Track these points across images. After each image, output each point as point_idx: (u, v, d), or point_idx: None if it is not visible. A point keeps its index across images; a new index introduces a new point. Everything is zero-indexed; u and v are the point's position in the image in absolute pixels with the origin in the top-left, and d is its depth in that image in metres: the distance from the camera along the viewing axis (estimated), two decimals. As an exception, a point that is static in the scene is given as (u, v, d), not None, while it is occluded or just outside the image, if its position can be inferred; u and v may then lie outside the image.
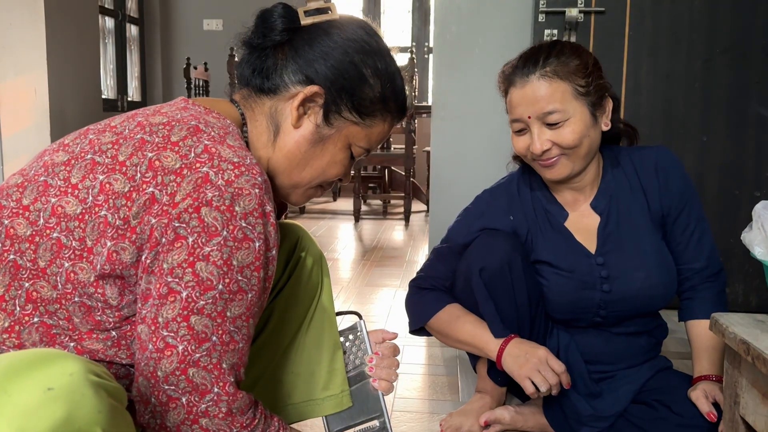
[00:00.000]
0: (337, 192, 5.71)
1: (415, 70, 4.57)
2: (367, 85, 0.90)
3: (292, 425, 1.07)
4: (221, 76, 4.75)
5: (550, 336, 1.36)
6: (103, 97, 4.75)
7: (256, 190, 0.76)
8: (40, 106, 3.47)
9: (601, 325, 1.33)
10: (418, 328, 1.42)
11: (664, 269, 1.29)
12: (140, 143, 0.78)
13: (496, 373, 1.34)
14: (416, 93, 4.92)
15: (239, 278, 0.76)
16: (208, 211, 0.74)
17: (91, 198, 0.76)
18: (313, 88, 0.88)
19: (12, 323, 0.75)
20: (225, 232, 0.74)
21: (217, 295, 0.75)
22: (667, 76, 2.23)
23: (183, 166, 0.76)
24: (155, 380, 0.75)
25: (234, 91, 0.95)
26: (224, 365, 0.77)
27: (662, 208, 1.31)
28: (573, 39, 2.22)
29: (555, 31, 2.25)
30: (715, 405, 1.19)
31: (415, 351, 1.92)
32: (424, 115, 4.93)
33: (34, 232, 0.75)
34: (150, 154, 0.77)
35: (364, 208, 5.12)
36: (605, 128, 1.26)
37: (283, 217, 1.07)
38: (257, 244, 0.77)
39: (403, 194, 4.54)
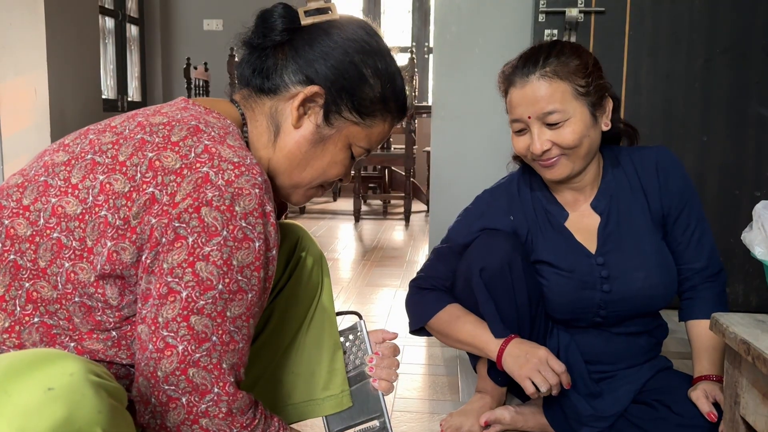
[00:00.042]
0: (338, 192, 5.71)
1: (415, 70, 4.57)
2: (367, 85, 0.90)
3: (292, 425, 1.07)
4: (221, 77, 4.75)
5: (551, 336, 1.36)
6: (103, 97, 4.75)
7: (256, 190, 0.76)
8: (40, 106, 3.47)
9: (601, 325, 1.33)
10: (418, 328, 1.42)
11: (664, 269, 1.29)
12: (140, 143, 0.78)
13: (497, 373, 1.34)
14: (416, 93, 4.92)
15: (239, 278, 0.76)
16: (208, 211, 0.74)
17: (91, 198, 0.76)
18: (314, 88, 0.88)
19: (12, 323, 0.75)
20: (225, 232, 0.74)
21: (217, 295, 0.75)
22: (667, 76, 2.23)
23: (183, 166, 0.76)
24: (155, 380, 0.75)
25: (234, 92, 0.95)
26: (224, 365, 0.77)
27: (662, 208, 1.31)
28: (573, 39, 2.22)
29: (555, 31, 2.25)
30: (716, 405, 1.19)
31: (415, 351, 1.92)
32: (424, 115, 4.93)
33: (34, 232, 0.75)
34: (150, 154, 0.77)
35: (364, 208, 5.12)
36: (605, 128, 1.26)
37: (284, 217, 1.07)
38: (257, 244, 0.77)
39: (403, 194, 4.54)
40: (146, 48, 5.75)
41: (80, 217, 0.75)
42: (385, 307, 2.38)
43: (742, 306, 2.26)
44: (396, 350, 1.07)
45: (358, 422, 1.05)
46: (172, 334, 0.74)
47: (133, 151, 0.77)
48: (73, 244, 0.75)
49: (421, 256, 3.31)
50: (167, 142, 0.78)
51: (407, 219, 4.43)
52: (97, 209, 0.75)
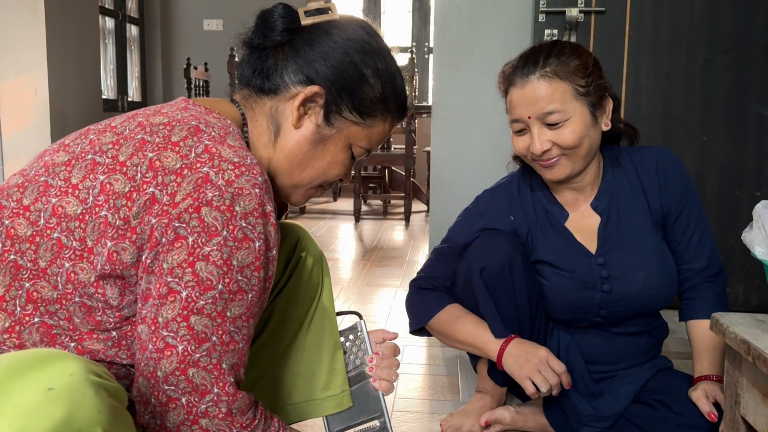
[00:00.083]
0: (338, 192, 5.71)
1: (415, 70, 4.57)
2: (367, 85, 0.90)
3: (292, 425, 1.07)
4: (221, 77, 4.75)
5: (551, 336, 1.36)
6: (104, 97, 4.75)
7: (257, 190, 0.76)
8: (40, 106, 3.47)
9: (601, 325, 1.33)
10: (418, 328, 1.42)
11: (664, 269, 1.29)
12: (141, 143, 0.78)
13: (497, 373, 1.34)
14: (416, 93, 4.92)
15: (239, 278, 0.76)
16: (209, 211, 0.74)
17: (91, 198, 0.76)
18: (314, 88, 0.88)
19: (12, 323, 0.75)
20: (225, 232, 0.74)
21: (216, 295, 0.75)
22: (667, 76, 2.23)
23: (183, 166, 0.76)
24: (155, 380, 0.75)
25: (234, 92, 0.95)
26: (224, 365, 0.77)
27: (663, 208, 1.31)
28: (573, 39, 2.22)
29: (555, 31, 2.25)
30: (716, 405, 1.19)
31: (415, 351, 1.92)
32: (425, 115, 4.93)
33: (34, 233, 0.75)
34: (150, 154, 0.77)
35: (364, 208, 5.12)
36: (605, 128, 1.26)
37: (284, 217, 1.07)
38: (257, 244, 0.77)
39: (403, 194, 4.54)
40: (146, 48, 5.76)
41: (80, 217, 0.75)
42: (385, 307, 2.38)
43: (742, 306, 2.26)
44: (396, 350, 1.07)
45: (358, 422, 1.05)
46: (172, 334, 0.74)
47: (134, 151, 0.77)
48: (74, 244, 0.75)
49: (421, 256, 3.31)
50: (167, 142, 0.78)
51: (407, 219, 4.43)
52: (97, 209, 0.75)
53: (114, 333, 0.78)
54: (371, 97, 0.91)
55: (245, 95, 0.92)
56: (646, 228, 1.30)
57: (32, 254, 0.75)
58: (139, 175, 0.76)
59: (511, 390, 1.48)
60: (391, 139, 5.05)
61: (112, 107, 5.11)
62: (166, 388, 0.75)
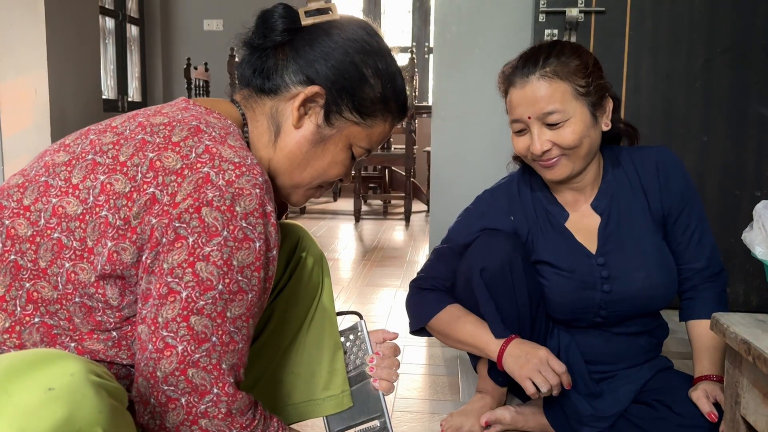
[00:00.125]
0: (338, 192, 5.71)
1: (416, 70, 4.57)
2: (367, 86, 0.90)
3: (292, 425, 1.07)
4: (221, 77, 4.76)
5: (551, 336, 1.36)
6: (104, 97, 4.75)
7: (257, 191, 0.76)
8: (40, 107, 3.47)
9: (601, 326, 1.33)
10: (418, 328, 1.42)
11: (664, 269, 1.29)
12: (141, 143, 0.78)
13: (497, 373, 1.34)
14: (416, 93, 4.92)
15: (239, 278, 0.76)
16: (209, 211, 0.74)
17: (91, 198, 0.75)
18: (314, 89, 0.88)
19: (13, 323, 0.75)
20: (225, 233, 0.74)
21: (216, 296, 0.75)
22: (667, 76, 2.23)
23: (184, 166, 0.76)
24: (154, 381, 0.75)
25: (235, 92, 0.95)
26: (224, 366, 0.77)
27: (663, 208, 1.31)
28: (573, 39, 2.22)
29: (555, 31, 2.25)
30: (716, 405, 1.19)
31: (415, 351, 1.92)
32: (425, 115, 4.93)
33: (34, 233, 0.75)
34: (151, 155, 0.77)
35: (364, 208, 5.12)
36: (605, 128, 1.26)
37: (284, 217, 1.07)
38: (258, 245, 0.77)
39: (403, 194, 4.54)
40: (146, 48, 5.76)
41: (81, 217, 0.75)
42: (385, 307, 2.38)
43: (742, 306, 2.26)
44: (396, 350, 1.07)
45: (358, 422, 1.05)
46: (172, 335, 0.74)
47: (134, 151, 0.77)
48: (74, 245, 0.75)
49: (421, 256, 3.31)
50: (168, 142, 0.78)
51: (407, 219, 4.43)
52: (97, 209, 0.75)
53: (114, 333, 0.78)
54: (371, 97, 0.91)
55: (245, 95, 0.92)
56: (646, 228, 1.30)
57: (32, 254, 0.75)
58: (140, 175, 0.76)
59: (512, 390, 1.48)
60: (391, 139, 5.05)
61: (112, 107, 5.11)
62: (166, 388, 0.75)
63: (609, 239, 1.30)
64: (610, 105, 1.27)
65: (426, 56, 5.89)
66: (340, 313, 1.11)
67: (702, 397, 1.20)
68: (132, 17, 5.52)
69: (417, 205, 5.01)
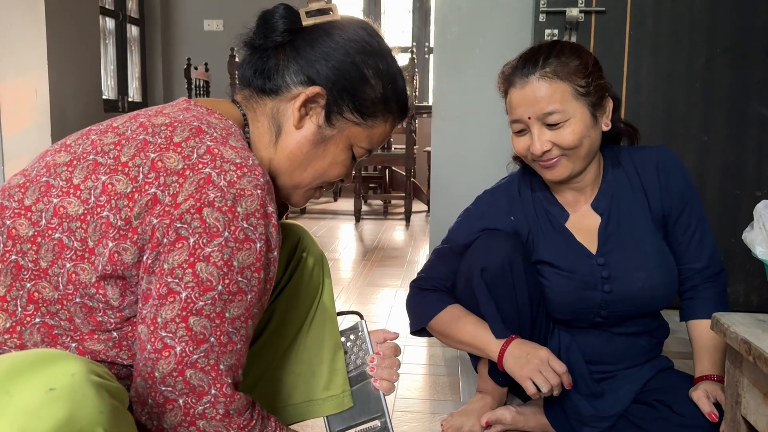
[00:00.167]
0: (338, 192, 5.71)
1: (416, 70, 4.57)
2: (368, 86, 0.90)
3: (292, 425, 1.07)
4: (222, 77, 4.76)
5: (551, 336, 1.36)
6: (104, 97, 4.75)
7: (258, 191, 0.76)
8: (40, 107, 3.47)
9: (602, 326, 1.33)
10: (419, 328, 1.42)
11: (665, 269, 1.29)
12: (143, 144, 0.78)
13: (497, 373, 1.34)
14: (417, 93, 4.92)
15: (239, 279, 0.76)
16: (210, 211, 0.74)
17: (93, 199, 0.76)
18: (315, 89, 0.88)
19: (13, 324, 0.75)
20: (226, 233, 0.74)
21: (216, 296, 0.75)
22: (667, 76, 2.23)
23: (185, 167, 0.76)
24: (152, 381, 0.75)
25: (235, 92, 0.95)
26: (222, 366, 0.76)
27: (663, 208, 1.31)
28: (573, 39, 2.22)
29: (556, 31, 2.25)
30: (717, 405, 1.19)
31: (416, 351, 1.92)
32: (425, 115, 4.93)
33: (36, 233, 0.75)
34: (152, 155, 0.77)
35: (364, 208, 5.12)
36: (605, 128, 1.26)
37: (284, 217, 1.07)
38: (258, 245, 0.77)
39: (403, 194, 4.54)
40: (147, 48, 5.76)
41: (82, 217, 0.75)
42: (385, 307, 2.38)
43: (743, 306, 2.26)
44: (397, 350, 1.07)
45: (359, 422, 1.05)
46: (171, 335, 0.74)
47: (136, 151, 0.77)
48: (75, 245, 0.75)
49: (421, 257, 3.31)
50: (170, 142, 0.78)
51: (408, 219, 4.43)
52: (98, 210, 0.75)
53: (115, 334, 0.78)
54: (372, 98, 0.91)
55: (246, 96, 0.92)
56: (646, 228, 1.30)
57: (33, 254, 0.75)
58: (141, 175, 0.76)
59: (512, 390, 1.48)
60: (392, 139, 5.05)
61: (112, 107, 5.11)
62: (164, 389, 0.75)
63: (609, 239, 1.30)
64: (610, 105, 1.27)
65: (426, 56, 5.89)
66: (340, 313, 1.11)
67: (702, 397, 1.20)
68: (132, 17, 5.52)
69: (417, 205, 5.01)
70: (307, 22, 0.90)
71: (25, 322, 0.75)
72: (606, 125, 1.26)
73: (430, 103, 4.31)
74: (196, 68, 4.41)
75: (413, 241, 3.77)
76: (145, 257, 0.75)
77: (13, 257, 0.75)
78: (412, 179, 4.38)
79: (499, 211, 1.35)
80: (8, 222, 0.76)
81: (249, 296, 0.77)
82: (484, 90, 2.35)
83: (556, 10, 2.23)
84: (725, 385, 1.09)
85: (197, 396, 0.75)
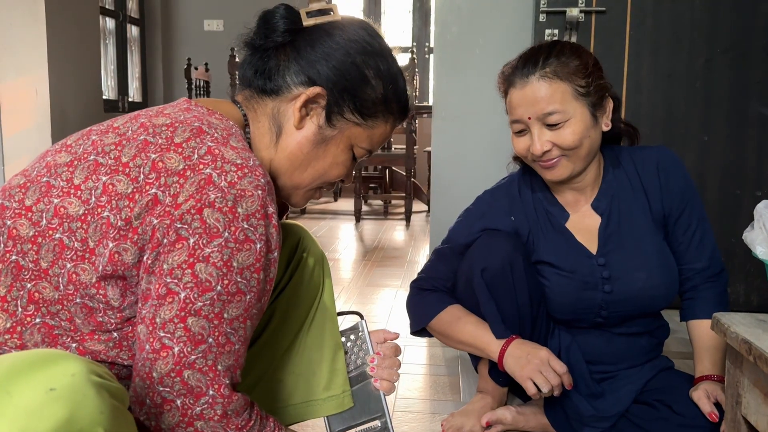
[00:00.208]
0: (338, 192, 5.71)
1: (416, 70, 4.57)
2: (369, 86, 0.90)
3: (293, 425, 1.07)
4: (222, 77, 4.76)
5: (552, 336, 1.36)
6: (104, 97, 4.75)
7: (259, 192, 0.76)
8: (41, 107, 3.47)
9: (602, 326, 1.33)
10: (419, 329, 1.42)
11: (665, 269, 1.29)
12: (143, 144, 0.78)
13: (498, 373, 1.34)
14: (417, 93, 4.92)
15: (238, 279, 0.76)
16: (211, 212, 0.74)
17: (93, 199, 0.76)
18: (316, 89, 0.88)
19: (14, 324, 0.75)
20: (226, 234, 0.74)
21: (215, 297, 0.75)
22: (668, 76, 2.23)
23: (186, 167, 0.76)
24: (150, 381, 0.75)
25: (236, 92, 0.95)
26: (220, 367, 0.76)
27: (663, 208, 1.31)
28: (574, 39, 2.22)
29: (556, 31, 2.25)
30: (717, 405, 1.19)
31: (416, 351, 1.92)
32: (425, 116, 4.93)
33: (36, 233, 0.75)
34: (153, 156, 0.77)
35: (365, 208, 5.12)
36: (606, 128, 1.26)
37: (284, 217, 1.07)
38: (258, 246, 0.77)
39: (403, 194, 4.54)
40: (147, 48, 5.76)
41: (82, 217, 0.75)
42: (386, 307, 2.38)
43: (743, 306, 2.26)
44: (397, 350, 1.07)
45: (359, 422, 1.05)
46: (169, 335, 0.74)
47: (136, 152, 0.77)
48: (75, 245, 0.75)
49: (421, 257, 3.31)
50: (170, 143, 0.78)
51: (408, 219, 4.43)
52: (99, 210, 0.75)
53: (115, 334, 0.78)
54: (373, 98, 0.91)
55: (247, 96, 0.92)
56: (647, 228, 1.30)
57: (34, 255, 0.75)
58: (142, 176, 0.76)
59: (512, 390, 1.48)
60: (392, 140, 5.05)
61: (112, 107, 5.11)
62: (161, 389, 0.74)
63: (610, 239, 1.30)
64: (610, 105, 1.27)
65: (426, 56, 5.89)
66: (341, 313, 1.11)
67: (703, 397, 1.20)
68: (132, 17, 5.52)
69: (417, 205, 5.01)
70: (307, 22, 0.90)
71: (26, 322, 0.75)
72: (606, 125, 1.26)
73: (430, 103, 4.31)
74: (196, 68, 4.41)
75: (413, 241, 3.77)
76: (145, 257, 0.75)
77: (14, 257, 0.75)
78: (412, 179, 4.38)
79: (499, 212, 1.35)
80: (9, 222, 0.76)
81: (248, 297, 0.77)
82: (484, 90, 2.35)
83: (556, 10, 2.23)
84: (726, 385, 1.09)
85: (195, 397, 0.75)
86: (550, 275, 1.30)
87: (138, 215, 0.75)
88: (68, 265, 0.75)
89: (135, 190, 0.75)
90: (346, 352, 1.07)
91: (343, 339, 1.07)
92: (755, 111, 2.20)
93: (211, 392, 0.76)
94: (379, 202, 5.36)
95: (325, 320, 1.08)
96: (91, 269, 0.75)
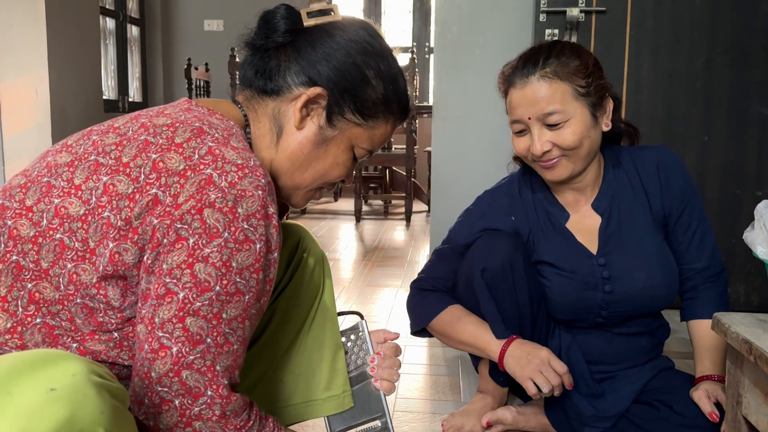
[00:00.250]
0: (339, 192, 5.71)
1: (416, 70, 4.57)
2: (369, 87, 0.90)
3: (293, 425, 1.07)
4: (222, 77, 4.76)
5: (552, 336, 1.36)
6: (104, 97, 4.75)
7: (259, 192, 0.76)
8: (41, 107, 3.47)
9: (602, 326, 1.33)
10: (419, 329, 1.42)
11: (665, 269, 1.29)
12: (144, 144, 0.78)
13: (498, 373, 1.34)
14: (417, 93, 4.92)
15: (237, 280, 0.76)
16: (211, 212, 0.74)
17: (94, 199, 0.76)
18: (316, 90, 0.88)
19: (14, 324, 0.75)
20: (226, 234, 0.74)
21: (213, 297, 0.74)
22: (668, 76, 2.23)
23: (187, 167, 0.76)
24: (149, 381, 0.74)
25: (236, 93, 0.95)
26: (218, 367, 0.76)
27: (664, 208, 1.31)
28: (574, 39, 2.22)
29: (556, 31, 2.25)
30: (717, 405, 1.19)
31: (416, 351, 1.92)
32: (425, 115, 4.93)
33: (37, 233, 0.75)
34: (154, 156, 0.77)
35: (365, 208, 5.12)
36: (606, 128, 1.26)
37: (285, 218, 1.07)
38: (258, 246, 0.76)
39: (404, 194, 4.54)
40: (147, 48, 5.76)
41: (83, 218, 0.75)
42: (386, 308, 2.38)
43: (743, 306, 2.26)
44: (398, 350, 1.07)
45: (359, 422, 1.05)
46: (167, 335, 0.74)
47: (137, 152, 0.77)
48: (76, 245, 0.75)
49: (422, 257, 3.31)
50: (171, 143, 0.78)
51: (408, 219, 4.43)
52: (99, 210, 0.75)
53: (116, 334, 0.78)
54: (373, 99, 0.91)
55: (247, 96, 0.92)
56: (647, 228, 1.30)
57: (34, 255, 0.75)
58: (143, 176, 0.76)
59: (513, 390, 1.48)
60: (392, 139, 5.04)
61: (113, 108, 5.11)
62: (160, 389, 0.74)
63: (610, 239, 1.30)
64: (610, 105, 1.27)
65: (426, 56, 5.89)
66: (341, 313, 1.11)
67: (703, 397, 1.20)
68: (132, 17, 5.52)
69: (418, 205, 5.01)
70: (308, 22, 0.90)
71: (26, 322, 0.75)
72: (606, 125, 1.26)
73: (431, 103, 4.31)
74: (196, 68, 4.41)
75: (414, 241, 3.77)
76: (145, 257, 0.75)
77: (14, 258, 0.75)
78: (412, 179, 4.38)
79: (499, 212, 1.35)
80: (9, 222, 0.76)
81: (247, 297, 0.77)
82: (485, 90, 2.35)
83: (557, 10, 2.23)
84: (726, 385, 1.09)
85: (193, 397, 0.75)
86: (551, 275, 1.30)
87: (138, 215, 0.75)
88: (69, 266, 0.75)
89: (135, 190, 0.75)
90: (346, 352, 1.07)
91: (343, 339, 1.07)
92: (755, 111, 2.20)
93: (209, 392, 0.76)
94: (380, 202, 5.36)
95: (326, 320, 1.08)
96: (92, 269, 0.75)
